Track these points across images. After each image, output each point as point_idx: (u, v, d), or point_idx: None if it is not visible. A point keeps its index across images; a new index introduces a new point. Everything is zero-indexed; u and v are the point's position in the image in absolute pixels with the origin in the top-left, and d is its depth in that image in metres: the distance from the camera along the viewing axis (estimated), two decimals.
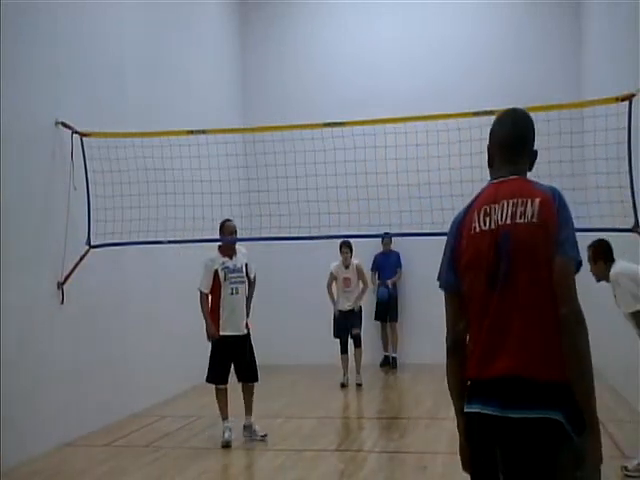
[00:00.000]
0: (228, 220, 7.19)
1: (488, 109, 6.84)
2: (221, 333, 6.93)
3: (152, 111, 9.01)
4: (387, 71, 12.00)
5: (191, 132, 7.52)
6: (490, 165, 2.63)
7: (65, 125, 7.22)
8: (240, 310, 7.02)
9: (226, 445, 6.65)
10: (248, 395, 7.06)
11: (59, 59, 7.28)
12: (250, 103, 12.50)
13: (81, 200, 7.41)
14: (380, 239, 11.20)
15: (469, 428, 2.48)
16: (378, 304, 11.17)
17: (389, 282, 11.08)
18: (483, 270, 2.42)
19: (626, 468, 5.64)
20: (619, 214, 6.49)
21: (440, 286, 2.60)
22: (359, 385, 9.34)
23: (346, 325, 9.55)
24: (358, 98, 11.61)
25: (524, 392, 2.30)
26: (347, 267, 9.53)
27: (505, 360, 2.33)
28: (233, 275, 6.98)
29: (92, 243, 7.47)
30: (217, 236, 7.62)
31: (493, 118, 7.48)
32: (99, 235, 7.52)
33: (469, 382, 2.49)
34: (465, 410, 2.48)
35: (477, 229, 2.45)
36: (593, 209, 7.33)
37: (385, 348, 11.34)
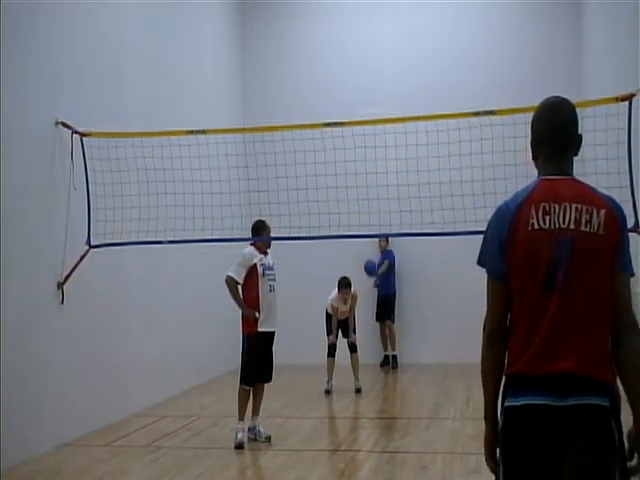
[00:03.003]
0: (263, 220, 7.21)
1: (488, 109, 6.85)
2: (259, 329, 6.88)
3: (152, 111, 9.01)
4: (387, 71, 12.00)
5: (191, 132, 7.52)
6: (534, 159, 2.60)
7: (65, 125, 7.22)
8: (275, 307, 7.04)
9: (239, 446, 6.62)
10: (260, 396, 7.04)
11: (59, 59, 7.27)
12: (250, 103, 12.50)
13: (81, 200, 7.41)
14: (377, 242, 11.24)
15: (511, 422, 2.46)
16: (379, 298, 11.13)
17: (379, 272, 11.10)
18: (540, 270, 2.40)
19: None
20: None
21: (489, 272, 2.53)
22: (358, 391, 9.31)
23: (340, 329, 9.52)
24: (358, 98, 11.62)
25: (578, 386, 2.38)
26: (345, 303, 9.45)
27: (565, 360, 2.37)
28: (269, 272, 7.01)
29: (92, 243, 7.47)
30: (216, 236, 7.62)
31: (493, 118, 7.51)
32: (99, 235, 7.52)
33: (513, 376, 2.49)
34: (508, 404, 2.47)
35: (535, 226, 2.41)
36: None
37: (385, 348, 11.29)
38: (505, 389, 2.52)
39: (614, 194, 6.73)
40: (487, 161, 7.33)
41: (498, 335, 2.52)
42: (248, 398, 6.92)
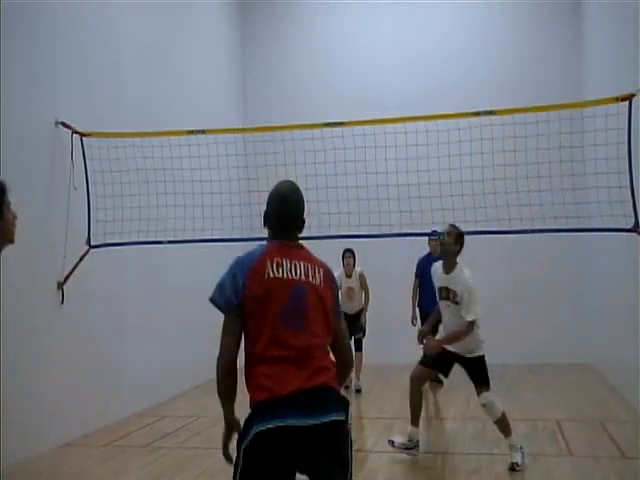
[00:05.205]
0: None
1: (488, 109, 6.85)
2: None
3: (152, 111, 9.02)
4: (387, 71, 12.01)
5: (191, 132, 7.52)
6: (265, 224, 3.11)
7: (65, 125, 7.23)
8: None
9: None
10: None
11: (59, 59, 7.28)
12: (250, 103, 12.52)
13: (81, 200, 7.41)
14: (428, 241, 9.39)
15: (260, 445, 2.72)
16: (424, 316, 8.90)
17: None
18: (276, 309, 2.86)
19: (517, 464, 5.68)
20: (619, 214, 6.49)
21: (225, 308, 2.94)
22: (358, 391, 9.28)
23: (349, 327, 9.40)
24: (358, 98, 11.63)
25: (325, 400, 2.82)
26: (350, 276, 9.29)
27: (307, 377, 2.81)
28: None
29: (92, 243, 7.47)
30: (216, 236, 7.63)
31: (493, 118, 7.48)
32: (99, 235, 7.53)
33: (257, 404, 2.80)
34: (259, 429, 2.73)
35: (270, 275, 2.89)
36: (593, 209, 7.33)
37: None
38: (253, 415, 2.80)
39: (614, 194, 6.73)
40: (487, 161, 7.33)
41: (234, 367, 2.88)
42: None
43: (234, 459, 2.82)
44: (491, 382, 5.99)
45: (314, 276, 2.97)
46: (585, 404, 8.29)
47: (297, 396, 2.76)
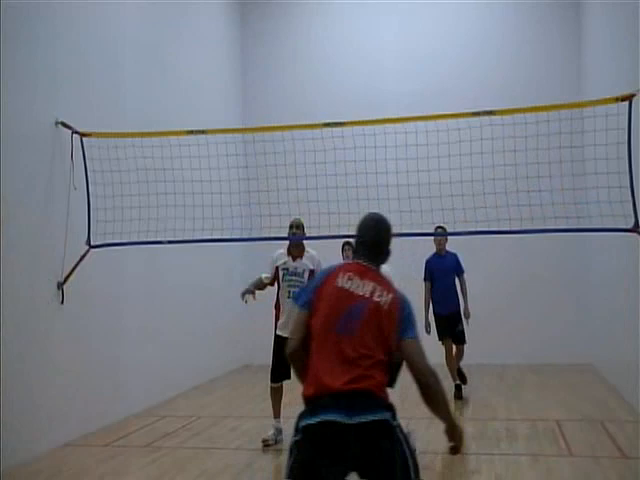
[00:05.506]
0: (296, 218, 7.16)
1: (488, 109, 6.85)
2: (277, 332, 6.90)
3: (152, 111, 9.02)
4: (387, 71, 12.01)
5: (191, 132, 7.52)
6: (356, 249, 3.46)
7: (65, 125, 7.22)
8: None
9: (264, 442, 6.74)
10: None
11: (59, 59, 7.28)
12: (250, 103, 12.51)
13: (81, 200, 7.41)
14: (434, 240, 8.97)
15: (307, 439, 2.98)
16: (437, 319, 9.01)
17: (462, 311, 8.95)
18: (336, 313, 3.15)
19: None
20: (619, 214, 6.49)
21: (299, 304, 3.31)
22: None
23: None
24: (358, 98, 11.63)
25: (365, 402, 3.01)
26: None
27: (349, 381, 3.01)
28: (291, 278, 6.90)
29: (92, 243, 7.46)
30: (216, 236, 7.62)
31: (493, 118, 7.48)
32: (99, 235, 7.52)
33: (305, 398, 3.08)
34: (304, 424, 3.01)
35: (339, 283, 3.23)
36: (593, 209, 7.33)
37: (453, 377, 8.71)
38: (303, 409, 3.08)
39: (614, 194, 6.73)
40: (487, 161, 7.33)
41: (297, 354, 3.24)
42: (275, 396, 7.02)
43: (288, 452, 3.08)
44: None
45: (380, 295, 3.19)
46: (585, 404, 8.28)
47: (338, 395, 2.98)
